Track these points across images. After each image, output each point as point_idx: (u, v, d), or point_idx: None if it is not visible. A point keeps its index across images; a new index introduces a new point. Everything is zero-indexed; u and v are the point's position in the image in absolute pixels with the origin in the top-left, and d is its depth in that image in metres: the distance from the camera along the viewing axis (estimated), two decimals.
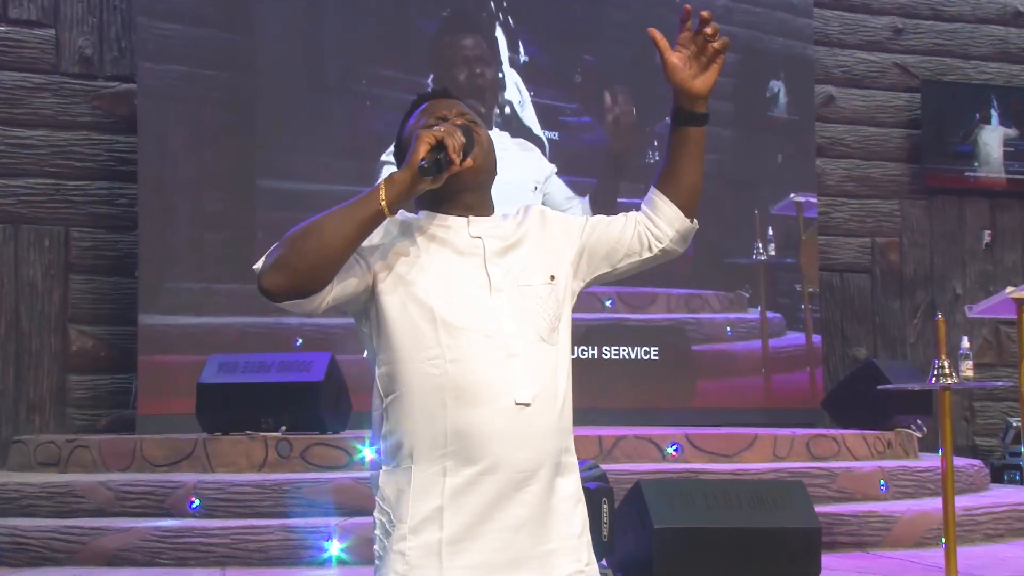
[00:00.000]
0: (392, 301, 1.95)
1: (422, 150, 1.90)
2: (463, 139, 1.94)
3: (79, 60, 7.46)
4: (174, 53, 7.14)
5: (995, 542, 5.82)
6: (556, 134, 7.97)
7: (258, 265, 1.91)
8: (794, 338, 8.48)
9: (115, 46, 7.53)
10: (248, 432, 5.85)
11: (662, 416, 7.50)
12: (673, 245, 2.13)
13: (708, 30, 2.03)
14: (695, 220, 2.14)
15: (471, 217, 2.04)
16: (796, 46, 8.80)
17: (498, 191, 2.15)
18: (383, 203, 1.89)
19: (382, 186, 1.91)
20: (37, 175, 7.32)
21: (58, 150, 7.35)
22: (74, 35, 7.46)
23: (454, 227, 2.03)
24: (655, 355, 7.87)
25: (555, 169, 7.84)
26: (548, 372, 1.97)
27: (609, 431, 6.11)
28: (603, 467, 4.83)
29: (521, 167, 7.68)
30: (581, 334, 7.61)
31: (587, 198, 7.86)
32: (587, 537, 2.02)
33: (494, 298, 1.96)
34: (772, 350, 8.32)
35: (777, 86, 8.66)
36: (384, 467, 1.97)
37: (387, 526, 1.94)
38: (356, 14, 7.59)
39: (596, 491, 4.16)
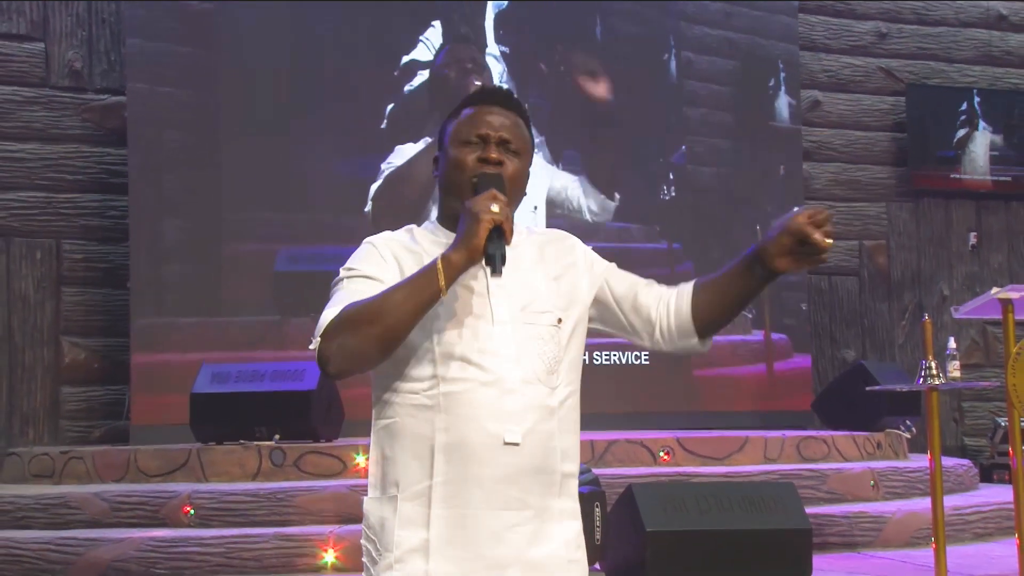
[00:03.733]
0: None
1: (482, 234, 1.84)
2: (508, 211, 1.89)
3: (69, 73, 7.47)
4: (164, 62, 7.18)
5: (984, 541, 5.84)
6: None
7: (315, 346, 1.89)
8: (801, 360, 8.27)
9: (104, 59, 7.54)
10: (242, 441, 5.86)
11: (651, 419, 7.49)
12: (670, 350, 2.10)
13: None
14: (707, 343, 2.09)
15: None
16: (796, 51, 8.73)
17: None
18: (442, 285, 1.86)
19: (440, 269, 1.85)
20: (28, 188, 7.32)
21: (49, 163, 7.36)
22: (63, 49, 7.48)
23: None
24: (646, 360, 7.83)
25: (576, 179, 7.72)
26: (541, 414, 1.94)
27: (601, 435, 6.14)
28: (595, 471, 4.86)
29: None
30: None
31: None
32: None
33: (496, 329, 1.93)
34: (778, 374, 8.12)
35: (780, 94, 8.57)
36: (371, 494, 1.96)
37: (373, 554, 1.93)
38: (343, 33, 7.60)
39: (588, 495, 4.18)
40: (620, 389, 7.69)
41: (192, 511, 5.30)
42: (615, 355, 7.77)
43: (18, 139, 7.33)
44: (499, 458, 1.88)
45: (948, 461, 6.64)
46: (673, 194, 8.05)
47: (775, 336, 8.17)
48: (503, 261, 1.87)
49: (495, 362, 1.90)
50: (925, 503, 5.22)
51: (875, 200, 9.22)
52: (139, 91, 7.14)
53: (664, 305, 2.05)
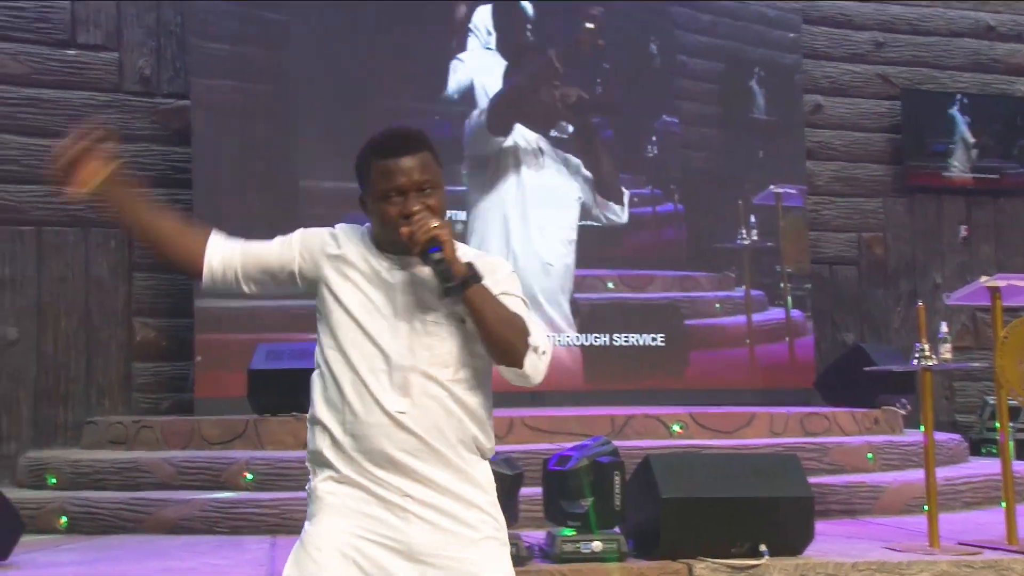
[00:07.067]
0: (330, 295, 2.11)
1: None
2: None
3: (139, 80, 7.50)
4: (223, 70, 7.24)
5: (973, 509, 5.80)
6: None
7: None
8: (775, 313, 8.57)
9: (171, 67, 7.57)
10: (294, 413, 5.87)
11: (667, 396, 7.49)
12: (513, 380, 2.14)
13: None
14: (523, 365, 2.05)
15: (397, 256, 2.11)
16: (777, 56, 8.87)
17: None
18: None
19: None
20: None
21: (121, 161, 7.38)
22: (135, 57, 7.51)
23: (379, 256, 2.14)
24: (661, 341, 7.92)
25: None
26: (429, 394, 2.04)
27: (621, 411, 6.13)
28: (615, 443, 4.83)
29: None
30: (587, 314, 7.80)
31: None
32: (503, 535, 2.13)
33: (398, 320, 2.05)
34: (756, 324, 8.43)
35: (757, 91, 8.71)
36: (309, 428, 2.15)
37: (309, 473, 2.14)
38: (389, 30, 7.64)
39: (609, 465, 4.16)
40: (638, 368, 7.72)
41: (249, 475, 5.32)
42: (633, 337, 7.84)
43: None
44: (387, 421, 2.01)
45: (940, 436, 6.58)
46: (656, 152, 8.34)
47: (754, 292, 8.49)
48: (445, 278, 1.98)
49: (393, 345, 2.03)
50: (919, 474, 5.18)
51: (872, 196, 9.15)
52: (201, 92, 7.20)
53: None
